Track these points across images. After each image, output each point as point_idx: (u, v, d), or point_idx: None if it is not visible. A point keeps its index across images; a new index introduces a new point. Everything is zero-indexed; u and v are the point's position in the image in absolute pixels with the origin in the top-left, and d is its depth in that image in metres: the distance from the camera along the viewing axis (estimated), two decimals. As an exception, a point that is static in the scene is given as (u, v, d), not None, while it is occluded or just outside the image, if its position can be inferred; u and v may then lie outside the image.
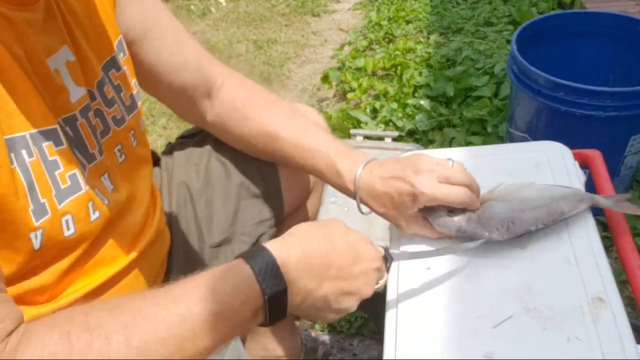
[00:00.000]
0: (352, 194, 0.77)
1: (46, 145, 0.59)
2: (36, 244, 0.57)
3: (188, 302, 0.53)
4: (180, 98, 0.86)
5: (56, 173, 0.60)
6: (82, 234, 0.63)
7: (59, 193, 0.59)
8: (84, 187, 0.63)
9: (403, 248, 0.76)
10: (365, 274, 0.63)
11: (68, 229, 0.61)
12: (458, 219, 0.72)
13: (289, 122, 0.85)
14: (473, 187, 0.73)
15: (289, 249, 0.59)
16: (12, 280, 0.58)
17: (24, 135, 0.56)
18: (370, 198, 0.76)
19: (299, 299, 0.60)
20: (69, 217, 0.60)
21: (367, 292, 0.64)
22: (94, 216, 0.65)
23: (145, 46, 0.79)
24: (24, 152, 0.55)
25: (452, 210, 0.72)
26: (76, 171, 0.62)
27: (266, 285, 0.56)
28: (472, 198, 0.72)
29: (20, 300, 0.60)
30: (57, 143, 0.60)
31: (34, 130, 0.57)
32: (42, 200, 0.57)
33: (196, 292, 0.54)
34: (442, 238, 0.74)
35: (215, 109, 0.88)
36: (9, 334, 0.47)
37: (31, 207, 0.56)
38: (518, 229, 0.70)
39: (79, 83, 0.66)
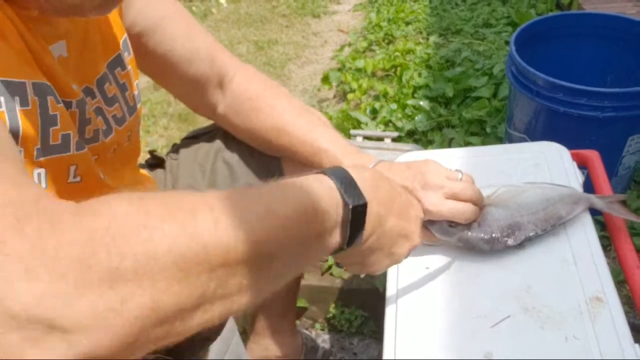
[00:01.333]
0: None
1: (50, 98, 0.57)
2: None
3: (275, 198, 0.47)
4: (191, 89, 0.86)
5: (51, 129, 0.58)
6: (54, 193, 0.61)
7: (44, 147, 0.58)
8: (72, 150, 0.62)
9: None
10: (417, 220, 0.63)
11: (39, 183, 0.59)
12: (460, 229, 0.72)
13: (300, 117, 0.85)
14: (479, 203, 0.72)
15: (360, 172, 0.55)
16: None
17: (24, 83, 0.54)
18: None
19: (371, 227, 0.55)
20: (41, 171, 0.59)
21: (418, 241, 0.63)
22: (73, 179, 0.63)
23: (157, 37, 0.80)
24: (17, 98, 0.54)
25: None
26: (71, 133, 0.62)
27: (348, 196, 0.51)
28: (477, 214, 0.72)
29: None
30: (58, 100, 0.59)
31: (36, 81, 0.56)
32: (19, 148, 0.55)
33: (281, 192, 0.48)
34: (442, 243, 0.74)
35: (227, 100, 0.88)
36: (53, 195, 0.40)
37: None
38: (518, 237, 0.71)
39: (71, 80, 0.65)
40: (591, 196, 0.75)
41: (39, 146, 0.58)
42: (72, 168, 0.63)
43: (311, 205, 0.49)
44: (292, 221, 0.46)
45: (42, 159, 0.58)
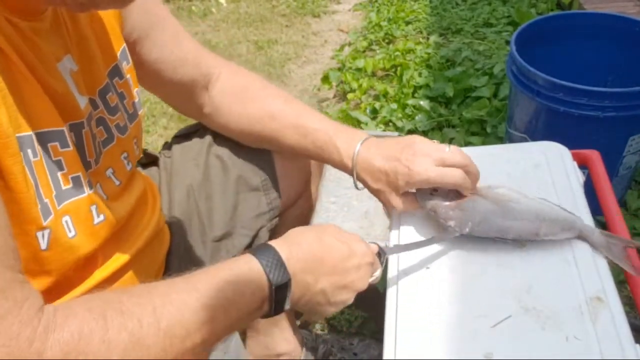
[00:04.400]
0: (350, 170, 0.80)
1: (51, 145, 0.59)
2: (43, 244, 0.58)
3: (207, 290, 0.57)
4: (179, 93, 0.88)
5: (59, 174, 0.60)
6: (86, 236, 0.63)
7: (59, 194, 0.60)
8: (87, 191, 0.64)
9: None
10: (358, 268, 0.67)
11: (69, 230, 0.61)
12: (439, 199, 0.74)
13: (288, 104, 0.88)
14: (470, 168, 0.75)
15: (290, 247, 0.64)
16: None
17: (30, 135, 0.56)
18: (366, 173, 0.78)
19: (299, 293, 0.64)
20: (67, 218, 0.61)
21: (362, 285, 0.68)
22: (98, 219, 0.65)
23: (148, 44, 0.81)
24: (29, 151, 0.56)
25: (436, 190, 0.75)
26: (80, 174, 0.63)
27: (273, 277, 0.61)
28: (466, 180, 0.74)
29: None
30: (63, 145, 0.61)
31: (39, 130, 0.58)
32: (45, 200, 0.58)
33: (213, 281, 0.58)
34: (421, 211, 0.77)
35: (214, 99, 0.89)
36: (38, 310, 0.49)
37: (39, 205, 0.57)
38: (484, 234, 0.72)
39: (82, 92, 0.67)
40: (593, 230, 0.71)
41: (55, 193, 0.60)
42: (93, 208, 0.65)
43: (240, 292, 0.59)
44: (223, 311, 0.57)
45: (62, 205, 0.61)
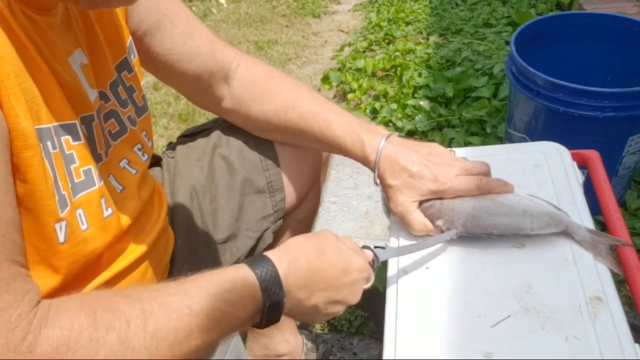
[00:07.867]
0: (372, 164, 0.80)
1: (64, 138, 0.60)
2: (61, 236, 0.59)
3: (198, 297, 0.57)
4: (195, 85, 0.87)
5: (72, 167, 0.61)
6: (97, 229, 0.64)
7: (73, 186, 0.61)
8: (97, 183, 0.64)
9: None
10: (352, 284, 0.68)
11: (82, 223, 0.62)
12: (434, 203, 0.76)
13: (310, 95, 0.88)
14: (489, 174, 0.78)
15: (289, 262, 0.63)
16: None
17: (49, 128, 0.57)
18: (388, 169, 0.78)
19: (291, 306, 0.64)
20: (80, 211, 0.62)
21: (354, 300, 0.69)
22: (107, 212, 0.66)
23: (159, 36, 0.81)
24: (49, 143, 0.57)
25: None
26: (91, 167, 0.64)
27: (267, 295, 0.61)
28: (483, 187, 0.76)
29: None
30: (75, 138, 0.61)
31: (56, 123, 0.58)
32: (62, 192, 0.59)
33: (205, 290, 0.58)
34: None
35: (234, 90, 0.89)
36: (36, 305, 0.50)
37: (57, 197, 0.57)
38: (475, 229, 0.72)
39: (92, 86, 0.67)
40: (580, 226, 0.71)
41: (70, 186, 0.60)
42: (103, 201, 0.65)
43: (232, 303, 0.58)
44: (213, 319, 0.57)
45: (76, 197, 0.61)
